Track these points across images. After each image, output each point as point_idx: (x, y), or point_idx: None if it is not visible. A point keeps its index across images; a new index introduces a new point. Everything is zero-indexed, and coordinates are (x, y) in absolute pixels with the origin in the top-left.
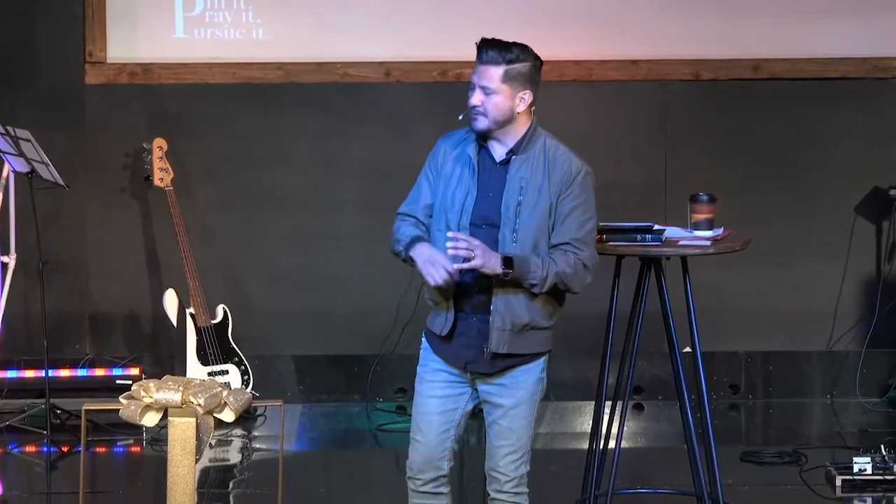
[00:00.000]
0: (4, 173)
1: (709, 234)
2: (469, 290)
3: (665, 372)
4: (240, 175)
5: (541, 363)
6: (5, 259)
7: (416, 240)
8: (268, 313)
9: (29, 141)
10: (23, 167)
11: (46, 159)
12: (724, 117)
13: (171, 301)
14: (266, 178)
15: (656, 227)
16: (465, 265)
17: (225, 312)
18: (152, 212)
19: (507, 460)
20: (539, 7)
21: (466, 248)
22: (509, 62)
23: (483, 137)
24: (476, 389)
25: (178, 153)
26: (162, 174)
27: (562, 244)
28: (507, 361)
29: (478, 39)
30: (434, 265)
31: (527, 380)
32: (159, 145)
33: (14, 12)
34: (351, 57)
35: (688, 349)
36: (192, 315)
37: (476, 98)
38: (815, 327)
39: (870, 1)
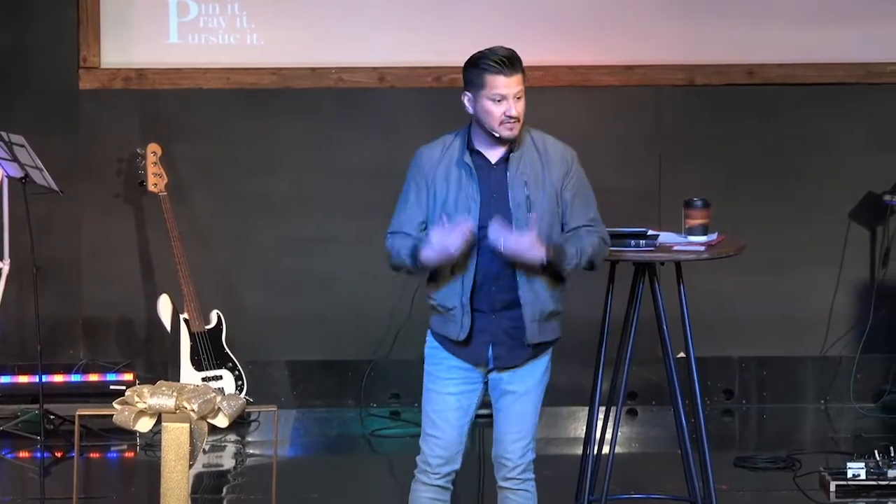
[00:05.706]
0: None
1: (703, 239)
2: (485, 287)
3: (659, 377)
4: (234, 180)
5: (550, 350)
6: None
7: (417, 247)
8: (262, 318)
9: (23, 146)
10: (17, 172)
11: (40, 164)
12: (719, 122)
13: (164, 306)
14: (260, 183)
15: (650, 232)
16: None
17: (219, 318)
18: (146, 217)
19: (516, 446)
20: (534, 12)
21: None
22: (522, 67)
23: (500, 143)
24: (486, 381)
25: (172, 158)
26: (156, 179)
27: (579, 227)
28: (535, 351)
29: (490, 53)
30: (447, 240)
31: (538, 366)
32: (153, 150)
33: (8, 17)
34: (345, 62)
35: (682, 354)
36: (185, 320)
37: (518, 107)
38: (809, 332)
39: (864, 6)
